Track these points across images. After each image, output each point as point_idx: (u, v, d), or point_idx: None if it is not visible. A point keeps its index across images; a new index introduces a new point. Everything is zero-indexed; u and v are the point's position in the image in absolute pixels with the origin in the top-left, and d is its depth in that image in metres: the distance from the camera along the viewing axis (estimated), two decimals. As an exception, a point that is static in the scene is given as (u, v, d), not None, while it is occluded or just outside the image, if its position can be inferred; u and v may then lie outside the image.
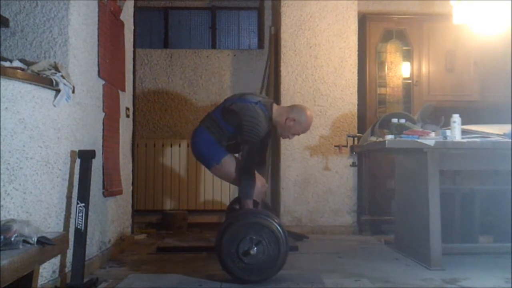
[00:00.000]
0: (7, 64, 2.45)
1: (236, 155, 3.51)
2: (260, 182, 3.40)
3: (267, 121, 3.42)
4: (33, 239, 2.01)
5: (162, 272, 3.25)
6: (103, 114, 3.46)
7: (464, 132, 3.43)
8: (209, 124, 3.44)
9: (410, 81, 5.16)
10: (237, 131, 3.37)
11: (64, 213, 2.78)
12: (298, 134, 3.59)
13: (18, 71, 2.41)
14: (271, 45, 5.40)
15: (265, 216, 2.99)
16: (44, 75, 2.56)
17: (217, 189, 5.24)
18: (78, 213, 2.72)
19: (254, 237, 2.88)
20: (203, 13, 5.88)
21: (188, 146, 5.26)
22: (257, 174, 3.35)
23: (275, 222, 2.97)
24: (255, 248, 2.86)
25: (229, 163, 3.39)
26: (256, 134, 3.28)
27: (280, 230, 2.93)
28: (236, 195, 5.06)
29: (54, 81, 2.58)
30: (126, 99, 4.11)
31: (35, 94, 2.50)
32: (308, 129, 3.58)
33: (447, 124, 3.55)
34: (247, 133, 3.27)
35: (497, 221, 3.90)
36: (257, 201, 3.35)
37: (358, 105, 5.00)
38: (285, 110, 3.54)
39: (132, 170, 4.40)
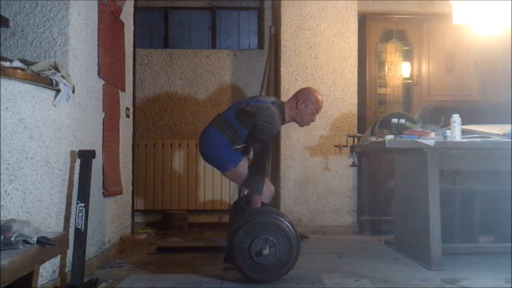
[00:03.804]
0: (7, 64, 2.45)
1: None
2: (270, 188, 3.44)
3: (281, 121, 3.45)
4: (33, 239, 2.01)
5: (162, 272, 3.25)
6: (103, 114, 3.46)
7: (464, 132, 3.43)
8: (221, 125, 3.38)
9: (410, 81, 5.16)
10: (250, 132, 3.35)
11: (64, 213, 2.78)
12: (317, 113, 3.57)
13: (18, 71, 2.41)
14: (271, 45, 5.40)
15: (284, 220, 2.99)
16: (44, 75, 2.56)
17: (217, 189, 5.24)
18: (78, 213, 2.71)
19: (270, 238, 2.88)
20: (203, 13, 5.88)
21: (188, 146, 5.26)
22: (267, 180, 3.35)
23: (293, 228, 2.98)
24: (268, 249, 2.86)
25: (245, 167, 3.36)
26: (270, 134, 3.29)
27: (295, 238, 2.94)
28: (237, 195, 5.08)
29: (54, 81, 2.58)
30: (126, 99, 4.11)
31: (35, 94, 2.50)
32: (321, 104, 3.57)
33: (447, 124, 3.55)
34: (261, 132, 3.27)
35: (497, 221, 3.90)
36: (265, 203, 3.36)
37: (358, 105, 5.00)
38: (292, 100, 3.57)
39: (132, 170, 4.40)
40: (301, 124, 3.60)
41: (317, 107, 3.54)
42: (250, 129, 3.33)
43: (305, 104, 3.49)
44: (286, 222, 2.98)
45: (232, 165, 3.34)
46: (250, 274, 2.89)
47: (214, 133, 3.39)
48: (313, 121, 3.60)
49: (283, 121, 3.53)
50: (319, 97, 3.55)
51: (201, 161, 5.15)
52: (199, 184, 5.24)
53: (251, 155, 3.46)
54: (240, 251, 2.88)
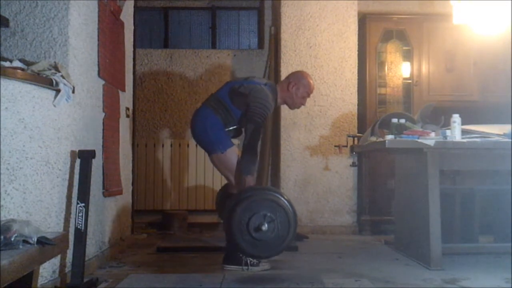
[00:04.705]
0: (7, 64, 2.45)
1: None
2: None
3: (274, 102, 3.46)
4: (33, 239, 2.01)
5: (162, 272, 3.25)
6: (103, 114, 3.46)
7: (464, 132, 3.43)
8: (215, 105, 3.37)
9: (410, 81, 5.16)
10: (243, 112, 3.34)
11: (64, 213, 2.78)
12: (308, 96, 3.58)
13: (18, 71, 2.41)
14: (271, 45, 5.39)
15: (281, 197, 3.04)
16: (44, 75, 2.56)
17: (217, 189, 5.20)
18: (78, 213, 2.71)
19: (269, 214, 2.91)
20: (203, 13, 5.88)
21: (188, 146, 5.26)
22: (248, 179, 3.30)
23: (289, 204, 3.02)
24: (267, 225, 2.88)
25: (232, 154, 3.35)
26: (263, 115, 3.31)
27: (292, 214, 2.99)
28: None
29: (54, 81, 2.58)
30: (126, 99, 4.11)
31: (35, 94, 2.50)
32: (313, 87, 3.57)
33: (447, 124, 3.55)
34: (255, 114, 3.27)
35: (497, 221, 3.90)
36: None
37: (358, 105, 5.00)
38: (284, 82, 3.59)
39: (132, 170, 4.40)
40: (292, 107, 3.62)
41: (309, 90, 3.55)
42: (243, 110, 3.34)
43: (297, 87, 3.50)
44: (283, 199, 3.01)
45: (220, 149, 3.33)
46: (249, 251, 2.92)
47: (208, 113, 3.38)
48: (304, 104, 3.61)
49: (276, 103, 3.54)
50: (311, 81, 3.56)
51: (201, 161, 5.18)
52: (199, 184, 5.24)
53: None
54: (238, 228, 2.90)
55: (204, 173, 5.23)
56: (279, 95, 3.52)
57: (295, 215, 3.00)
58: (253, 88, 3.34)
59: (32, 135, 2.47)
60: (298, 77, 3.56)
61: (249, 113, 3.28)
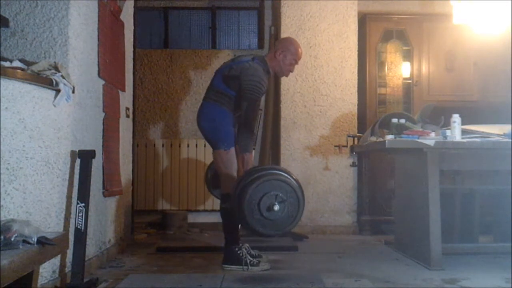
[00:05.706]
0: (7, 64, 2.45)
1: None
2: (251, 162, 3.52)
3: (266, 74, 3.46)
4: (33, 239, 2.01)
5: (162, 272, 3.25)
6: (103, 114, 3.46)
7: (464, 132, 3.44)
8: (216, 97, 3.40)
9: (410, 81, 5.16)
10: (237, 92, 3.37)
11: (64, 213, 2.79)
12: (296, 63, 3.57)
13: (18, 71, 2.41)
14: (271, 45, 5.39)
15: (291, 178, 3.09)
16: (44, 75, 2.56)
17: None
18: (78, 213, 2.72)
19: (280, 195, 2.95)
20: (203, 13, 5.88)
21: (188, 146, 5.26)
22: (247, 157, 3.42)
23: (298, 184, 3.07)
24: (278, 205, 2.93)
25: (233, 155, 3.38)
26: (258, 91, 3.34)
27: (301, 194, 3.02)
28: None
29: (54, 81, 2.58)
30: (126, 99, 4.11)
31: (35, 94, 2.50)
32: (300, 53, 3.56)
33: (447, 124, 3.55)
34: (249, 91, 3.31)
35: (497, 221, 3.90)
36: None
37: (358, 105, 5.00)
38: (272, 51, 3.60)
39: (132, 170, 4.40)
40: (280, 74, 3.64)
41: (296, 57, 3.54)
42: (237, 90, 3.37)
43: (284, 55, 3.50)
44: (293, 180, 3.06)
45: (224, 146, 3.36)
46: (259, 230, 2.96)
47: (213, 107, 3.40)
48: (292, 71, 3.60)
49: (269, 74, 3.54)
50: (299, 49, 3.55)
51: (201, 160, 5.18)
52: (199, 184, 5.23)
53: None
54: (249, 207, 2.94)
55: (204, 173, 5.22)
56: (269, 65, 3.51)
57: (303, 196, 3.04)
58: (243, 67, 3.36)
59: (32, 135, 2.47)
60: (286, 44, 3.56)
61: (244, 92, 3.32)
